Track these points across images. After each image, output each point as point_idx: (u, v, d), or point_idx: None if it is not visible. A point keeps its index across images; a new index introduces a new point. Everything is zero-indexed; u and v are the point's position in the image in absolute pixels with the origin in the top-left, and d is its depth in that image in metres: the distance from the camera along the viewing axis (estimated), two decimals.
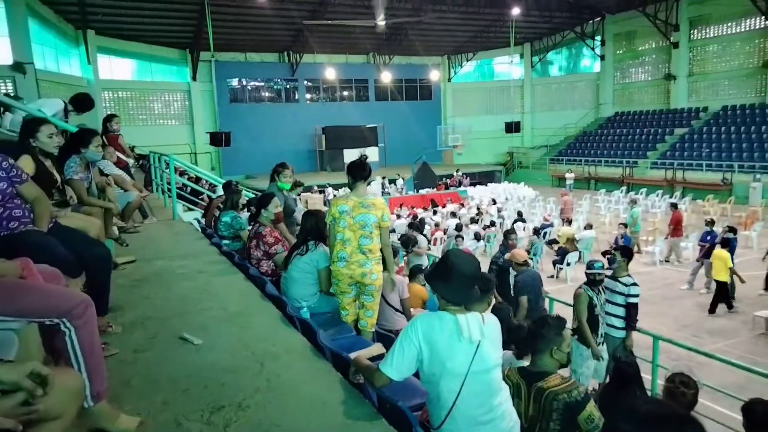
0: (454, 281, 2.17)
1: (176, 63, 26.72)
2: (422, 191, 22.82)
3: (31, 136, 3.20)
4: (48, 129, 3.25)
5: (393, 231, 15.37)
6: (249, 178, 24.57)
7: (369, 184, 4.13)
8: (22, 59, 16.15)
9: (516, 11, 25.64)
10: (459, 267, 2.20)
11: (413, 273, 6.17)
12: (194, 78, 26.60)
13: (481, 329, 2.13)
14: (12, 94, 12.68)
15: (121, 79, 24.72)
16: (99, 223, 3.80)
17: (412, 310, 4.89)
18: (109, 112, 11.94)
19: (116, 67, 24.36)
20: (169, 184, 7.94)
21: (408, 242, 8.58)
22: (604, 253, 7.36)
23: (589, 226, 13.40)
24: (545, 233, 13.77)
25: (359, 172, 3.87)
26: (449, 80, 34.48)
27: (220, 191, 8.07)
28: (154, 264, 4.74)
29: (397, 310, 4.74)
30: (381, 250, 3.88)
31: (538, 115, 33.61)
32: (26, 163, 2.96)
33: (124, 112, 24.49)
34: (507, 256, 6.46)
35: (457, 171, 27.30)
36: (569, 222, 13.38)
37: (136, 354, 2.80)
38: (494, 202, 19.79)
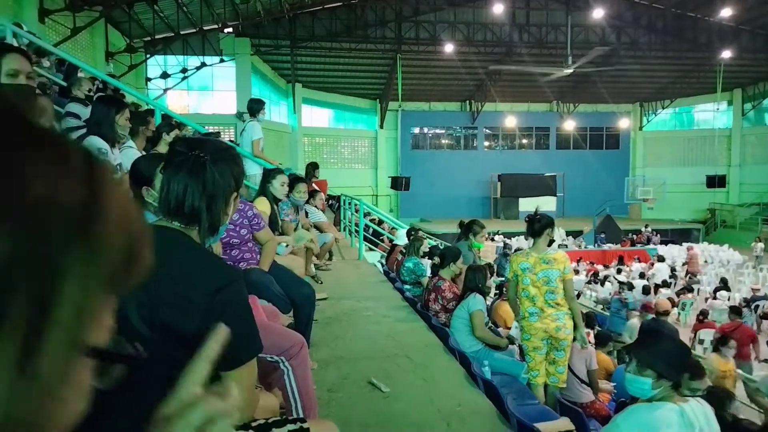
0: (668, 354, 1.93)
1: (366, 112, 28.98)
2: (604, 246, 21.23)
3: (268, 182, 3.73)
4: (281, 178, 3.77)
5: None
6: (424, 221, 25.29)
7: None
8: (243, 110, 18.89)
9: (726, 54, 23.08)
10: (673, 338, 1.97)
11: (602, 340, 5.72)
12: (381, 126, 28.52)
13: (708, 422, 1.85)
14: (232, 139, 14.92)
15: (318, 126, 27.51)
16: (303, 261, 4.20)
17: (600, 383, 4.50)
18: (309, 160, 13.26)
19: (315, 116, 27.21)
20: (356, 225, 8.51)
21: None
22: None
23: None
24: (756, 306, 11.78)
25: (537, 227, 3.91)
26: (640, 128, 32.04)
27: (401, 235, 8.40)
28: (343, 303, 5.05)
29: (582, 381, 4.39)
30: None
31: (748, 169, 29.42)
32: (264, 205, 3.47)
33: (318, 156, 27.10)
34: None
35: (645, 226, 24.92)
36: None
37: (330, 393, 2.97)
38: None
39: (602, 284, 13.81)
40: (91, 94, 5.62)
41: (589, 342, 5.91)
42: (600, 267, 17.23)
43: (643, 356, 1.98)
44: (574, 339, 3.90)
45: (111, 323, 0.38)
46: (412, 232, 6.76)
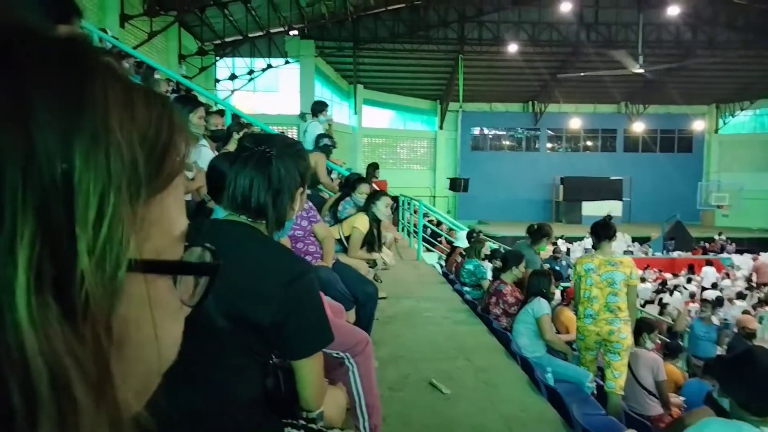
0: (761, 390, 1.82)
1: (426, 113, 28.92)
2: (673, 254, 20.22)
3: (372, 203, 3.85)
4: (386, 200, 3.90)
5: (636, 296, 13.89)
6: (482, 223, 24.97)
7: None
8: (306, 110, 19.32)
9: None
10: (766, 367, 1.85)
11: (672, 351, 5.47)
12: (441, 127, 28.39)
13: None
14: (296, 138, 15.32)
15: (377, 127, 27.70)
16: (365, 262, 4.25)
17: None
18: (368, 160, 13.40)
19: (374, 117, 27.41)
20: (415, 226, 8.52)
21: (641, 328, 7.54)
22: None
23: None
24: None
25: (604, 232, 3.97)
26: (716, 131, 30.31)
27: (460, 237, 8.34)
28: (402, 303, 5.07)
29: (650, 392, 4.22)
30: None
31: None
32: (363, 221, 3.61)
33: (377, 156, 27.29)
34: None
35: (719, 234, 23.54)
36: None
37: (391, 392, 2.99)
38: None
39: (671, 294, 13.17)
40: (167, 94, 5.91)
41: (656, 351, 5.68)
42: (668, 275, 16.43)
43: (731, 387, 1.88)
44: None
45: (175, 229, 0.34)
46: (473, 235, 6.70)
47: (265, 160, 1.35)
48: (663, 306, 10.88)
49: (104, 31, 7.03)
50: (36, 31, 0.28)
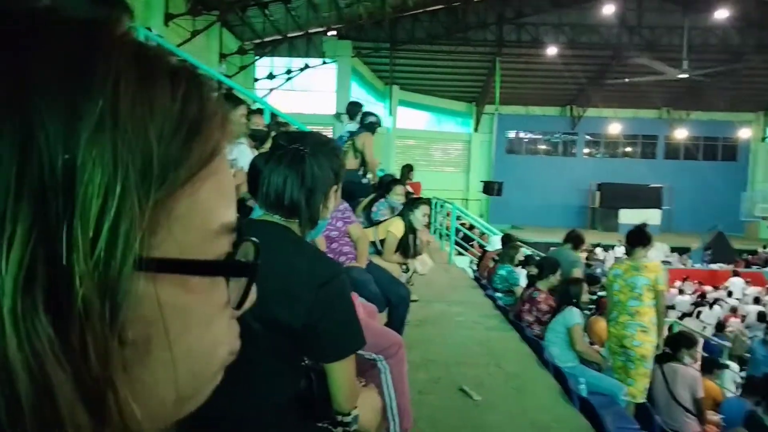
0: None
1: (461, 115, 28.74)
2: (714, 266, 19.56)
3: (410, 210, 3.92)
4: (424, 209, 3.95)
5: (672, 307, 13.51)
6: (515, 228, 24.66)
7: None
8: (342, 110, 19.45)
9: None
10: None
11: (709, 366, 5.30)
12: (476, 129, 28.17)
13: None
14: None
15: (412, 128, 27.66)
16: (397, 264, 4.25)
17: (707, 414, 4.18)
18: (401, 161, 13.41)
19: (409, 118, 27.39)
20: (447, 228, 8.48)
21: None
22: None
23: None
24: None
25: (638, 238, 4.04)
26: (763, 140, 29.20)
27: (493, 241, 8.26)
28: (433, 306, 5.06)
29: (687, 410, 4.10)
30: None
31: None
32: (398, 226, 3.65)
33: (411, 158, 27.25)
34: None
35: (764, 247, 22.68)
36: None
37: (421, 396, 2.98)
38: None
39: (710, 307, 12.74)
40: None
41: (695, 365, 5.52)
42: (708, 288, 15.90)
43: None
44: (658, 360, 3.93)
45: (211, 223, 0.30)
46: (509, 240, 6.63)
47: (299, 158, 1.34)
48: (720, 328, 10.49)
49: (149, 29, 7.22)
50: (46, 9, 0.26)
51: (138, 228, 0.25)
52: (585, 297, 4.25)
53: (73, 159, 0.24)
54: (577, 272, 4.76)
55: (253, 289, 0.34)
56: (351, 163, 5.44)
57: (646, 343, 3.81)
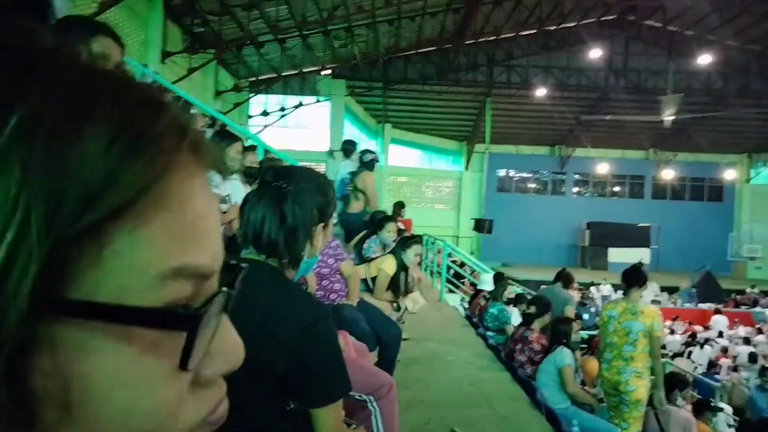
0: None
1: (453, 153, 29.11)
2: (703, 306, 19.60)
3: (402, 249, 3.94)
4: (417, 249, 3.96)
5: (663, 347, 13.45)
6: (506, 266, 24.66)
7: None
8: (335, 148, 19.64)
9: None
10: None
11: (699, 408, 5.26)
12: (467, 167, 28.50)
13: None
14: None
15: (403, 165, 27.94)
16: (388, 302, 4.23)
17: None
18: (393, 199, 13.49)
19: (401, 155, 27.69)
20: (438, 266, 8.47)
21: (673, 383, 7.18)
22: None
23: None
24: None
25: (634, 278, 3.99)
26: (747, 181, 29.76)
27: (484, 279, 8.25)
28: (425, 345, 5.01)
29: None
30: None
31: None
32: (390, 264, 3.66)
33: (402, 195, 27.41)
34: None
35: (752, 287, 22.82)
36: None
37: None
38: None
39: (701, 347, 12.70)
40: (204, 129, 6.09)
41: (685, 407, 5.47)
42: (698, 328, 15.89)
43: None
44: (651, 403, 3.89)
45: (153, 267, 0.26)
46: (500, 278, 6.63)
47: (279, 196, 1.30)
48: (711, 367, 10.39)
49: (146, 66, 7.34)
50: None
51: (34, 265, 0.22)
52: (576, 336, 4.23)
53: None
54: (570, 311, 4.75)
55: (199, 346, 0.28)
56: (355, 206, 5.48)
57: (641, 387, 3.81)
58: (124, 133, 0.24)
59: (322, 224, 1.38)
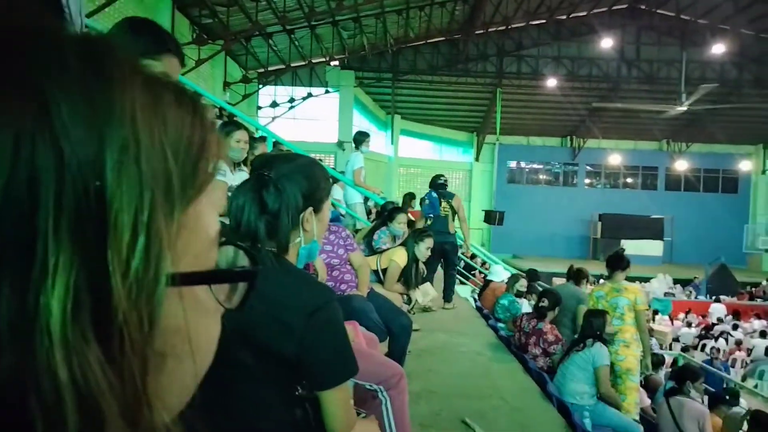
0: None
1: (463, 144, 28.95)
2: (723, 299, 19.36)
3: (415, 242, 3.95)
4: (429, 242, 3.93)
5: (677, 340, 13.34)
6: (516, 257, 24.56)
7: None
8: (344, 139, 19.59)
9: None
10: None
11: (715, 401, 5.18)
12: (477, 159, 28.33)
13: None
14: (333, 166, 15.67)
15: (413, 157, 27.84)
16: (399, 293, 4.19)
17: None
18: (403, 190, 13.43)
19: (411, 147, 27.59)
20: None
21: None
22: None
23: None
24: None
25: (617, 262, 4.42)
26: (763, 172, 29.30)
27: (495, 271, 8.18)
28: (436, 336, 4.96)
29: None
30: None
31: None
32: (402, 255, 3.64)
33: (413, 186, 27.32)
34: None
35: (767, 279, 22.55)
36: None
37: (423, 428, 2.89)
38: None
39: (716, 340, 12.56)
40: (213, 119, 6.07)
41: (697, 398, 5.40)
42: (714, 320, 15.72)
43: None
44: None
45: (211, 232, 0.31)
46: (534, 278, 6.62)
47: (260, 184, 1.30)
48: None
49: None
50: (49, 31, 0.26)
51: (167, 247, 0.26)
52: (609, 329, 4.13)
53: (103, 186, 0.24)
54: (583, 310, 4.66)
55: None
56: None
57: (629, 356, 4.14)
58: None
59: (311, 209, 1.35)
